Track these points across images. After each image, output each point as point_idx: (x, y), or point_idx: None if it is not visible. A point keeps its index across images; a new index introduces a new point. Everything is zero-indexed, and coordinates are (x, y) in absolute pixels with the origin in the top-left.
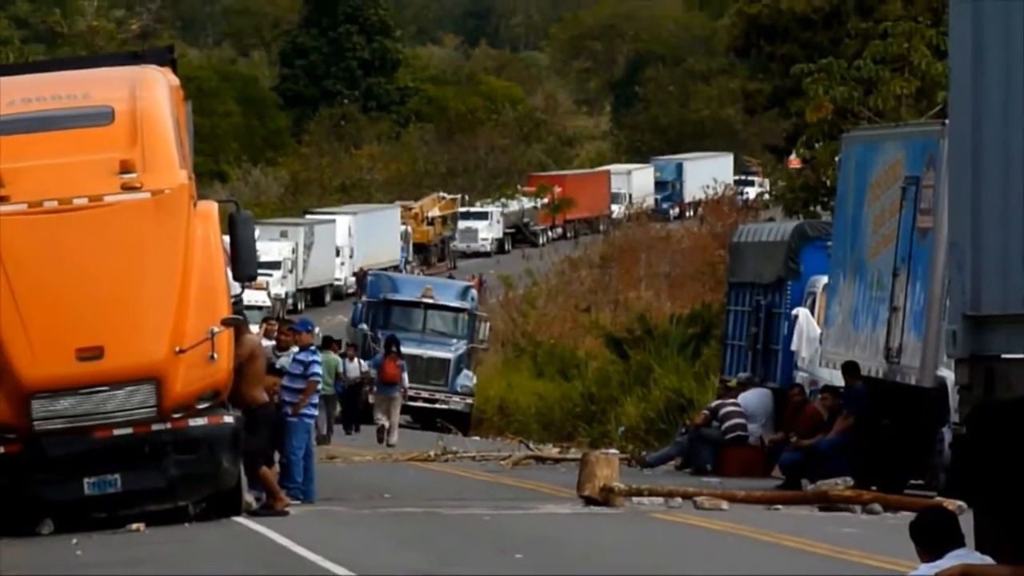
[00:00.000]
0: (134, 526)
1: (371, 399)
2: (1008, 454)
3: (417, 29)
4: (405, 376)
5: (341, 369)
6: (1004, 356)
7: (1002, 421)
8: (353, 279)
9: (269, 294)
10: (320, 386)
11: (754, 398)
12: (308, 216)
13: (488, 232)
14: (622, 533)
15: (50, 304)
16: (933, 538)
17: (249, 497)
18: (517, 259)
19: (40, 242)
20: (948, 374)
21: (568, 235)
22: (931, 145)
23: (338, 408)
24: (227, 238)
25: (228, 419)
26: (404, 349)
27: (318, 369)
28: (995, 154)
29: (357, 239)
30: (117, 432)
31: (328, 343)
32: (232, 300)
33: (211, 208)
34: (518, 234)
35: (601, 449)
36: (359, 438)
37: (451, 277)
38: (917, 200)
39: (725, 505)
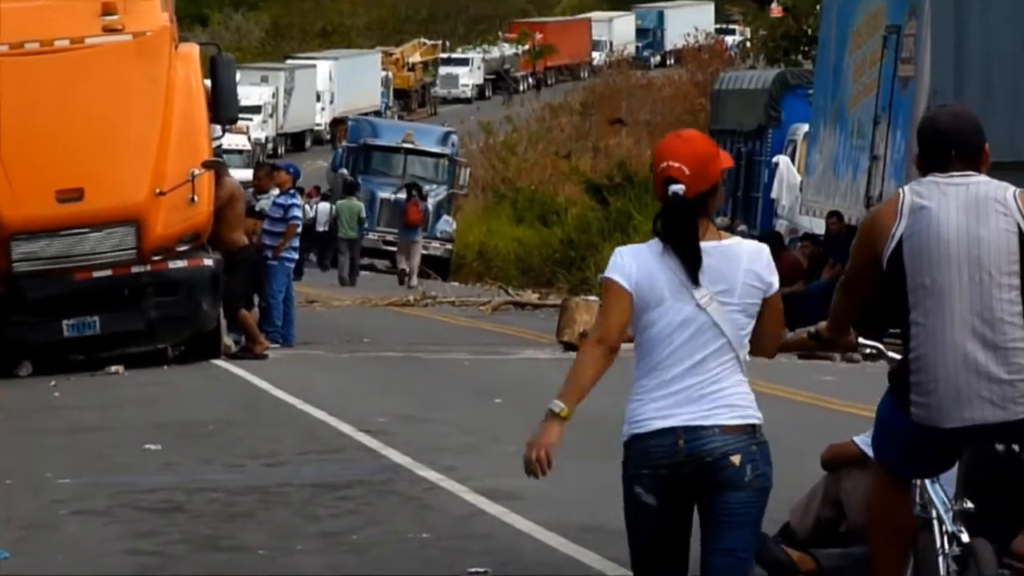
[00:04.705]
0: (112, 368)
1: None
2: None
3: None
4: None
5: (364, 215)
6: None
7: None
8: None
9: (249, 138)
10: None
11: None
12: (289, 61)
13: (469, 78)
14: (601, 378)
15: (30, 146)
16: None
17: (228, 340)
18: (497, 105)
19: (21, 84)
20: None
21: (549, 82)
22: None
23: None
24: (208, 82)
25: (208, 262)
26: (383, 194)
27: (298, 212)
28: (977, 1)
29: (338, 84)
30: (96, 274)
31: (351, 190)
32: (213, 143)
33: (192, 51)
34: (499, 80)
35: (581, 295)
36: (334, 280)
37: None
38: (898, 49)
39: None
